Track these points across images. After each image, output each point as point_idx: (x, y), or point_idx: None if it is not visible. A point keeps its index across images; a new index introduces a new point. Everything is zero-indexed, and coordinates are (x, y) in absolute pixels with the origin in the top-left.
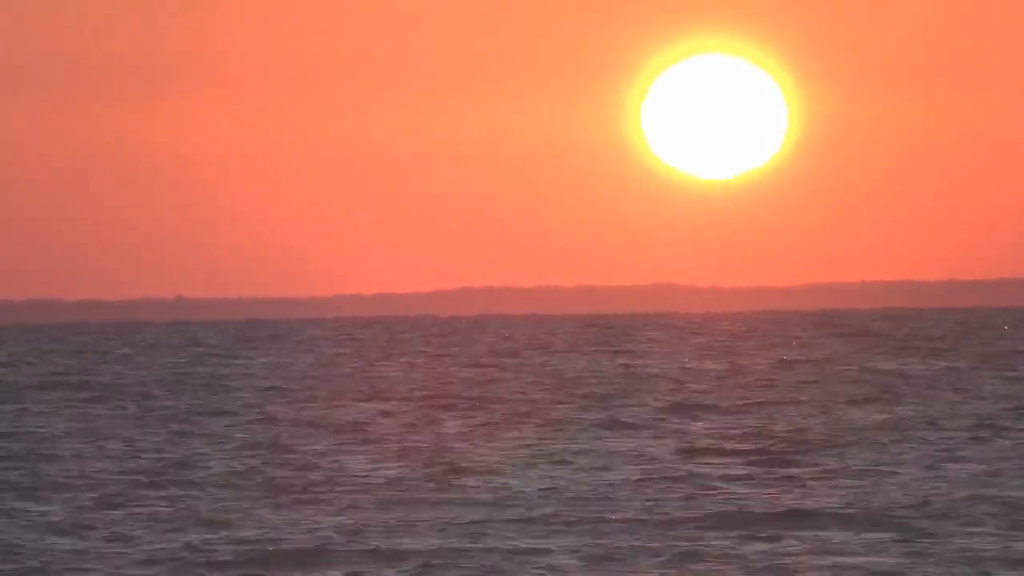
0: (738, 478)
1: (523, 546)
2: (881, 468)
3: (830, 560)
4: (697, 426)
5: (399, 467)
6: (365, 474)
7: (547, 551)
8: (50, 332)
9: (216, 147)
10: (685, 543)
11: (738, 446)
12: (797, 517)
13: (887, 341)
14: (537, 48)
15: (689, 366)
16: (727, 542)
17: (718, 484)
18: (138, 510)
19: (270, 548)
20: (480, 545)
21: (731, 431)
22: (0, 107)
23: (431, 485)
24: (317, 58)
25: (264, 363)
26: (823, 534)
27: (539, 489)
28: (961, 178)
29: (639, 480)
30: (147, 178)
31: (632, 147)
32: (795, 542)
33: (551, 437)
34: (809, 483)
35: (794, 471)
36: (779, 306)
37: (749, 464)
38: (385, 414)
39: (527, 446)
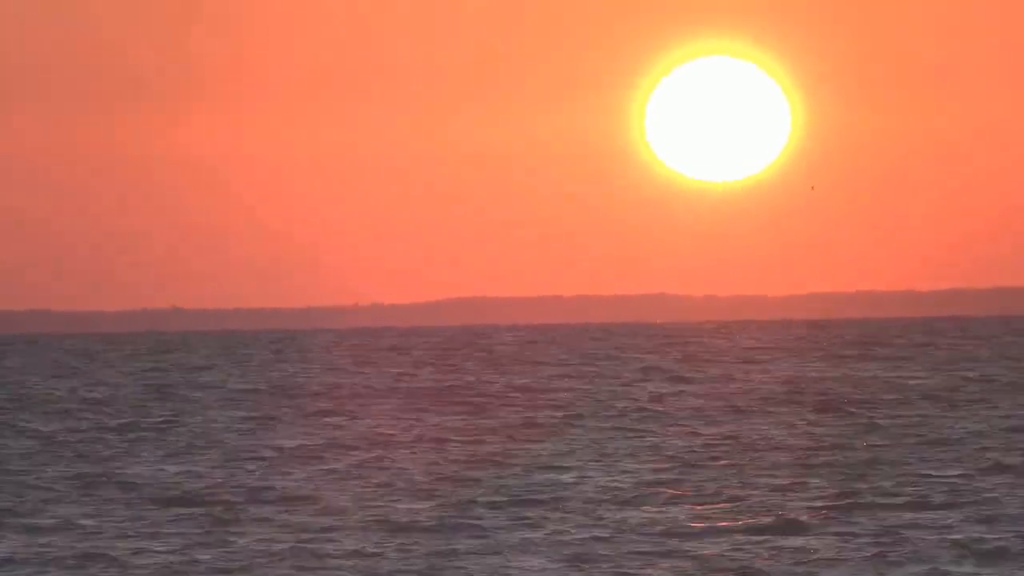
0: None
1: None
2: None
3: None
4: None
5: None
6: None
7: None
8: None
9: (216, 160)
10: None
11: None
12: None
13: None
14: (539, 53)
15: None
16: None
17: None
18: None
19: None
20: None
21: None
22: (6, 115)
23: None
24: (322, 72)
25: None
26: None
27: None
28: (961, 188)
29: None
30: (147, 190)
31: (634, 149)
32: None
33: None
34: None
35: None
36: (775, 316)
37: None
38: None
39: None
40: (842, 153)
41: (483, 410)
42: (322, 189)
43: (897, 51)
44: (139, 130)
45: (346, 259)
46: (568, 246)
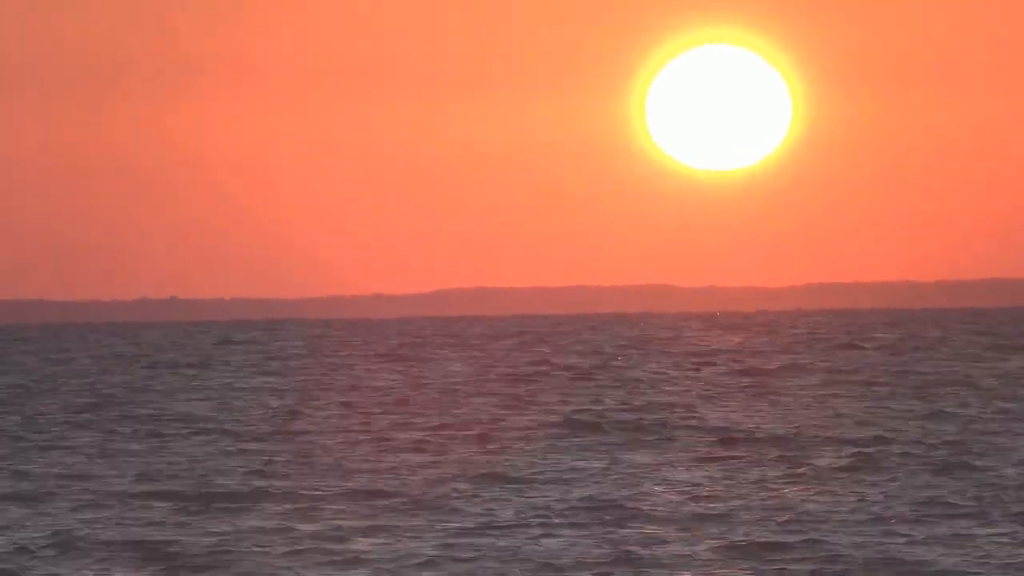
0: None
1: None
2: None
3: None
4: None
5: None
6: None
7: None
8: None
9: (218, 147)
10: None
11: None
12: None
13: None
14: (537, 43)
15: None
16: None
17: None
18: None
19: None
20: None
21: None
22: (1, 108)
23: None
24: (317, 61)
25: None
26: None
27: None
28: (961, 179)
29: None
30: (142, 178)
31: (634, 138)
32: None
33: None
34: None
35: None
36: (778, 307)
37: None
38: None
39: None
40: (843, 143)
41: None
42: (324, 180)
43: (900, 43)
44: (143, 121)
45: (347, 249)
46: (568, 236)
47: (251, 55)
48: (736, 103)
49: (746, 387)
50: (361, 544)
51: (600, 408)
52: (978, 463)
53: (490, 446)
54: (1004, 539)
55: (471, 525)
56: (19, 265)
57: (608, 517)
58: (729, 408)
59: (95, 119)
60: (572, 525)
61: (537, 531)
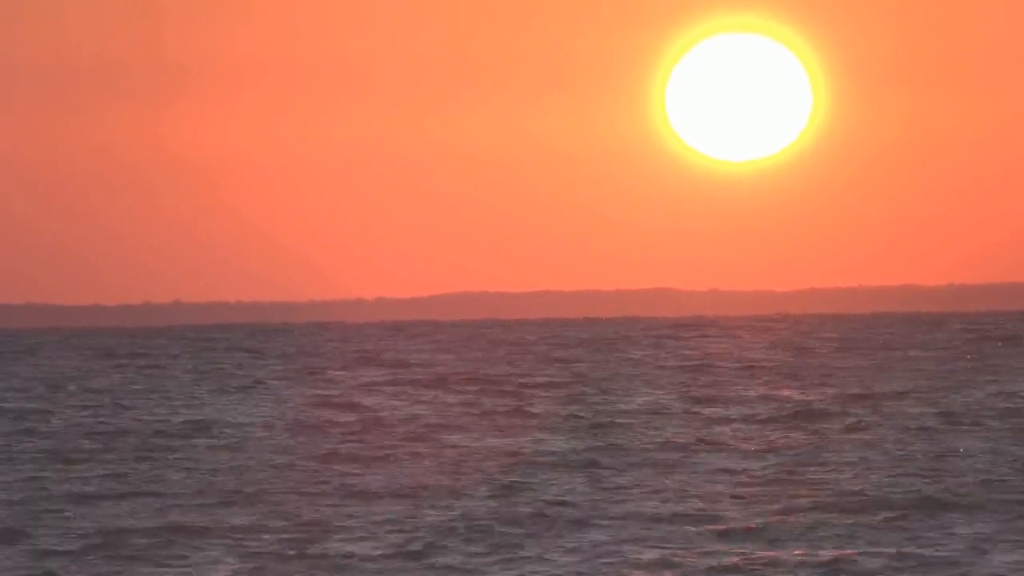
0: None
1: None
2: None
3: None
4: None
5: None
6: None
7: None
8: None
9: (215, 150)
10: None
11: None
12: None
13: None
14: (550, 30)
15: None
16: None
17: None
18: None
19: None
20: None
21: None
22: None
23: None
24: (321, 61)
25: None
26: None
27: None
28: (979, 185)
29: None
30: (144, 181)
31: (655, 128)
32: None
33: None
34: None
35: None
36: (784, 310)
37: None
38: None
39: None
40: (863, 141)
41: None
42: (330, 184)
43: (925, 42)
44: (141, 124)
45: (353, 253)
46: (571, 239)
47: (253, 58)
48: (751, 93)
49: None
50: None
51: None
52: None
53: None
54: None
55: None
56: (21, 269)
57: None
58: None
59: (94, 122)
60: None
61: None
